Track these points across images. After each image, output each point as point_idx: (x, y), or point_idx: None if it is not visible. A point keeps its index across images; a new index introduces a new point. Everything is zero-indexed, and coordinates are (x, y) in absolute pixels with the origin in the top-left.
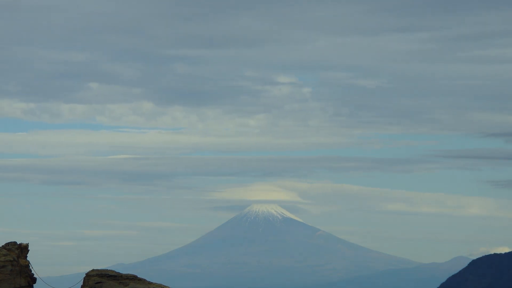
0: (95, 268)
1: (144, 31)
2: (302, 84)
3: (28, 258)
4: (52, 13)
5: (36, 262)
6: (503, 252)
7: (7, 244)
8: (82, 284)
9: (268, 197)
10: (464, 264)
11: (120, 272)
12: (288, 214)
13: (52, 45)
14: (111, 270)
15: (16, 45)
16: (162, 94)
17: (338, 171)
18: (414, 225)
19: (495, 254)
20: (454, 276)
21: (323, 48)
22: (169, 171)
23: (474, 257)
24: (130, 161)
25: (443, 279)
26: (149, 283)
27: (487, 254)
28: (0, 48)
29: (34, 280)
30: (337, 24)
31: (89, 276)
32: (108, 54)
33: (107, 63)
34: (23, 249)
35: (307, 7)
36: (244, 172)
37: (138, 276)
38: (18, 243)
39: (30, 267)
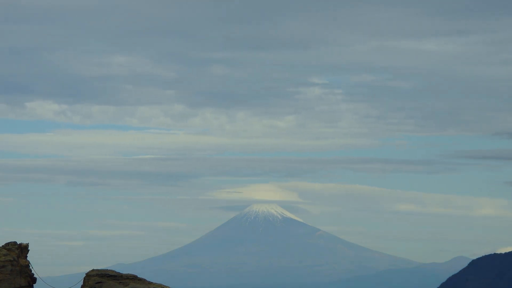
0: (95, 268)
1: (185, 33)
2: (334, 85)
3: (28, 258)
4: (91, 16)
5: (36, 262)
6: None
7: (7, 244)
8: (82, 284)
9: (268, 197)
10: (464, 264)
11: (120, 272)
12: (288, 214)
13: (90, 48)
14: (111, 270)
15: (55, 47)
16: (194, 96)
17: (356, 172)
18: (415, 225)
19: (495, 254)
20: (454, 276)
21: (360, 51)
22: (177, 171)
23: (475, 257)
24: (139, 161)
25: (443, 279)
26: (149, 283)
27: (487, 254)
28: (38, 49)
29: (34, 280)
30: (380, 27)
31: (89, 276)
32: (146, 56)
33: (145, 65)
34: (23, 249)
35: (349, 10)
36: (259, 173)
37: (138, 276)
38: (18, 243)
39: (30, 267)
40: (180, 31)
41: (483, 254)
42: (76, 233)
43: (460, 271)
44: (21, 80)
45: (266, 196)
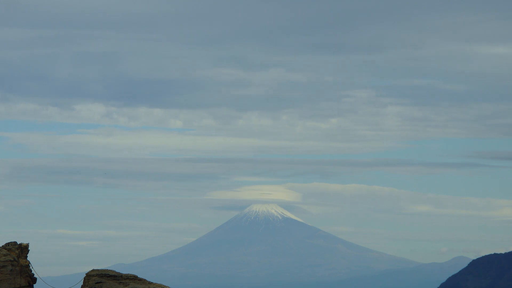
0: (95, 268)
1: (241, 37)
2: (384, 89)
3: (28, 258)
4: (156, 21)
5: (36, 262)
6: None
7: (7, 244)
8: (82, 284)
9: (269, 197)
10: (464, 264)
11: (120, 272)
12: (288, 214)
13: (149, 51)
14: (111, 270)
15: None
16: (243, 100)
17: (379, 174)
18: (417, 225)
19: (495, 254)
20: (454, 276)
21: (427, 54)
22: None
23: (475, 257)
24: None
25: (443, 279)
26: (149, 283)
27: (487, 254)
28: (92, 51)
29: (34, 280)
30: (446, 31)
31: (89, 276)
32: (205, 61)
33: (201, 69)
34: (23, 249)
35: (422, 14)
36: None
37: (138, 276)
38: (18, 243)
39: (30, 267)
40: (235, 35)
41: (483, 254)
42: (76, 233)
43: (460, 271)
44: (73, 83)
45: (266, 196)
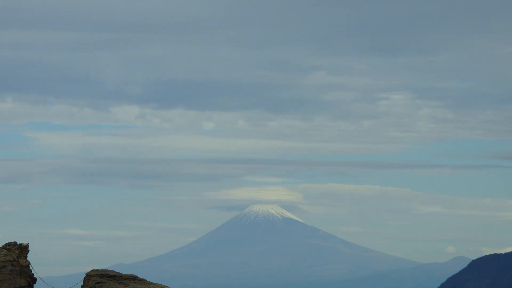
0: (95, 268)
1: (285, 40)
2: (420, 92)
3: (28, 258)
4: (202, 24)
5: (36, 262)
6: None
7: (7, 244)
8: (82, 284)
9: (270, 197)
10: (464, 264)
11: (120, 272)
12: (288, 214)
13: (189, 54)
14: (111, 270)
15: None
16: (279, 102)
17: (397, 175)
18: (416, 226)
19: (495, 254)
20: (454, 276)
21: (479, 57)
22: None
23: (475, 257)
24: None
25: (443, 279)
26: (149, 283)
27: (487, 254)
28: (137, 54)
29: (34, 280)
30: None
31: (89, 276)
32: (246, 63)
33: (244, 72)
34: (23, 249)
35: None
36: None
37: (138, 276)
38: (18, 243)
39: (30, 267)
40: (283, 39)
41: (483, 254)
42: (76, 233)
43: (460, 271)
44: (113, 85)
45: (267, 196)
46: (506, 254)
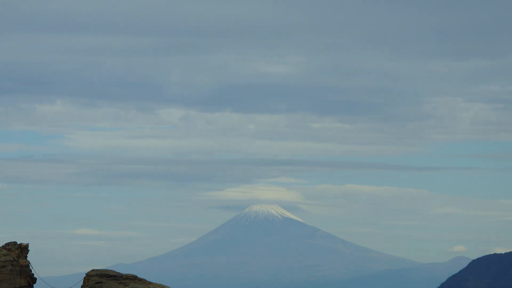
0: (95, 268)
1: (343, 44)
2: (460, 94)
3: (28, 258)
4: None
5: (36, 262)
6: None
7: (7, 244)
8: (82, 284)
9: (271, 196)
10: (464, 264)
11: (120, 272)
12: (288, 214)
13: (249, 57)
14: (111, 270)
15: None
16: (324, 105)
17: (419, 176)
18: (416, 225)
19: (495, 254)
20: (454, 276)
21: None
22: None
23: (474, 257)
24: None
25: (443, 279)
26: (149, 283)
27: (487, 254)
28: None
29: (34, 280)
30: None
31: (89, 276)
32: (300, 67)
33: (297, 76)
34: (23, 249)
35: None
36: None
37: (138, 276)
38: (18, 243)
39: (30, 267)
40: (346, 42)
41: (483, 254)
42: (76, 233)
43: (460, 271)
44: (163, 88)
45: (266, 196)
46: (506, 254)
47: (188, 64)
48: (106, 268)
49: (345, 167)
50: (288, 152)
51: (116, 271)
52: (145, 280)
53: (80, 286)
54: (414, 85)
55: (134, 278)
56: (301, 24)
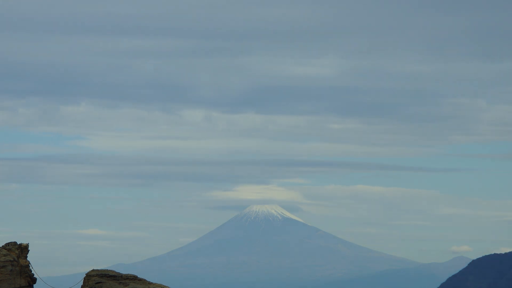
0: (95, 268)
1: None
2: (483, 96)
3: (28, 258)
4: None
5: (36, 262)
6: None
7: (7, 244)
8: (82, 284)
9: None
10: (464, 264)
11: (120, 272)
12: (288, 214)
13: (275, 58)
14: (111, 270)
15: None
16: (345, 107)
17: (431, 177)
18: (416, 225)
19: (495, 254)
20: (454, 276)
21: None
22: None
23: (474, 257)
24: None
25: (443, 279)
26: (149, 283)
27: (487, 254)
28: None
29: (34, 280)
30: None
31: (89, 276)
32: (329, 70)
33: (322, 78)
34: (23, 249)
35: None
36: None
37: (138, 276)
38: (18, 243)
39: (30, 267)
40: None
41: (483, 254)
42: (77, 233)
43: (460, 271)
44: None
45: (267, 196)
46: (506, 254)
47: (217, 66)
48: (106, 268)
49: (359, 168)
50: (305, 153)
51: (116, 271)
52: (145, 280)
53: (80, 286)
54: (436, 86)
55: (134, 278)
56: (331, 26)
